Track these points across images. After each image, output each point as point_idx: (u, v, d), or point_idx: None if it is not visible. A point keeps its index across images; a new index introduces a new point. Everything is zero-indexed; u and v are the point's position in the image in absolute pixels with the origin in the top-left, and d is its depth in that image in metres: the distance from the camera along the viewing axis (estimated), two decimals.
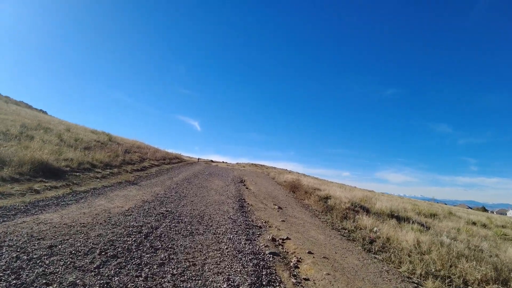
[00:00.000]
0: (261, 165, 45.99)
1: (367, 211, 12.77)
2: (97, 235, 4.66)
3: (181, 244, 4.97)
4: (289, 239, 6.56)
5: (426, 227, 12.13)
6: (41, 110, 49.16)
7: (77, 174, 9.86)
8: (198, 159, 46.74)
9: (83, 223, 5.12)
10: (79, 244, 4.18)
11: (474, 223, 16.65)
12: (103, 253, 4.03)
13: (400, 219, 12.91)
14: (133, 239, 4.79)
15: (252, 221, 7.77)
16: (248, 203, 10.03)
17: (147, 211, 6.81)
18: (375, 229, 9.76)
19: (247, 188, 13.62)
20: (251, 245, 5.63)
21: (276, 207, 10.13)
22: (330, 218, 10.13)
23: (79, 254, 3.89)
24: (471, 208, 69.53)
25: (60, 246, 4.03)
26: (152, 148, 23.49)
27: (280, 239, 6.48)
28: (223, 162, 48.59)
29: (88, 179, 9.66)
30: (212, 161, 46.04)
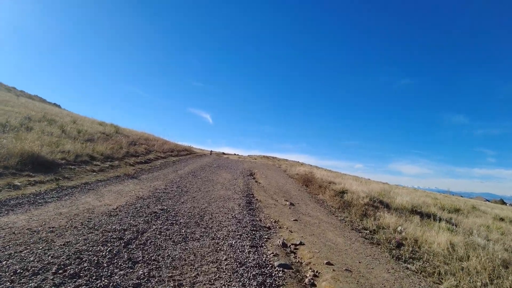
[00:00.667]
0: (273, 158, 44.89)
1: (387, 206, 11.58)
2: (63, 244, 3.70)
3: (168, 255, 3.97)
4: (303, 244, 5.49)
5: (454, 225, 10.88)
6: (54, 103, 49.33)
7: (72, 167, 9.03)
8: (211, 151, 45.95)
9: (53, 228, 4.18)
10: (32, 259, 3.23)
11: (502, 219, 15.16)
12: (60, 272, 3.07)
13: (423, 215, 11.68)
14: (109, 248, 3.82)
15: (260, 220, 6.73)
16: (257, 199, 8.99)
17: (138, 210, 5.86)
18: (399, 228, 8.60)
19: (256, 181, 12.59)
20: (257, 254, 4.59)
21: (287, 203, 9.06)
22: (348, 216, 8.99)
23: (26, 274, 2.93)
24: (488, 201, 66.69)
25: (4, 262, 3.07)
26: (160, 140, 22.73)
27: (292, 244, 5.41)
28: (234, 154, 47.72)
29: (83, 172, 8.81)
30: (223, 153, 45.22)
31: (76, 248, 3.65)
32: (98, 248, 3.76)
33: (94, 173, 9.08)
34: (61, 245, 3.68)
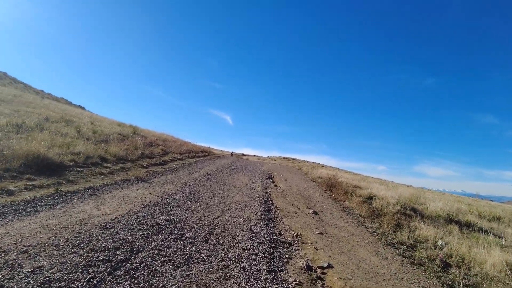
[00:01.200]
0: (293, 159, 43.67)
1: (420, 214, 10.30)
2: (32, 271, 2.93)
3: (163, 286, 3.10)
4: (332, 267, 4.48)
5: (500, 237, 9.47)
6: (79, 105, 50.58)
7: (80, 169, 8.48)
8: (232, 153, 45.41)
9: (28, 246, 3.44)
10: None
11: None
12: None
13: (462, 225, 10.31)
14: (89, 277, 3.01)
15: (280, 234, 5.78)
16: (276, 206, 8.05)
17: (140, 220, 5.07)
18: (440, 242, 7.38)
19: (276, 185, 11.62)
20: (276, 283, 3.64)
21: (310, 211, 8.04)
22: (380, 227, 7.85)
23: None
24: None
25: None
26: (179, 141, 22.27)
27: (318, 267, 4.42)
28: (254, 155, 46.94)
29: (90, 175, 8.22)
30: (243, 154, 44.56)
31: (46, 277, 2.86)
32: (75, 277, 2.96)
33: (102, 176, 8.47)
34: (28, 272, 2.91)
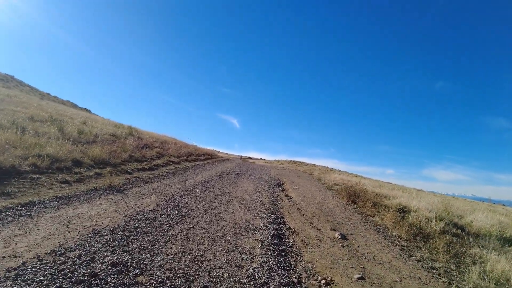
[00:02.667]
0: (300, 162, 41.33)
1: (467, 232, 7.97)
2: None
3: None
4: None
5: None
6: (85, 108, 49.22)
7: (38, 176, 6.44)
8: (241, 156, 43.48)
9: None
10: None
11: None
12: None
13: None
14: None
15: (299, 282, 3.56)
16: (290, 227, 5.82)
17: (61, 271, 2.90)
18: None
19: (286, 195, 9.38)
20: None
21: (336, 235, 5.78)
22: (432, 256, 5.54)
23: None
24: None
25: None
26: (180, 143, 20.22)
27: None
28: (261, 159, 44.72)
29: (47, 184, 6.14)
30: (250, 158, 42.36)
31: None
32: None
33: (64, 185, 6.37)
34: None
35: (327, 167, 41.69)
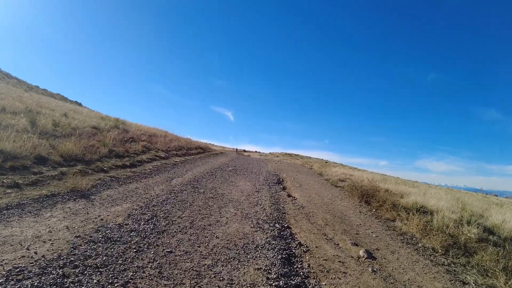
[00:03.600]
0: (296, 155, 40.05)
1: (494, 234, 6.72)
2: None
3: None
4: None
5: None
6: (76, 101, 47.10)
7: None
8: (237, 149, 42.06)
9: None
10: None
11: None
12: None
13: None
14: None
15: None
16: (300, 243, 4.44)
17: None
18: None
19: (289, 195, 8.00)
20: None
21: (361, 252, 4.42)
22: (486, 280, 4.23)
23: None
24: None
25: None
26: (171, 136, 18.66)
27: None
28: (256, 152, 43.26)
29: None
30: (244, 151, 40.84)
31: None
32: None
33: (9, 191, 4.89)
34: None
35: (322, 159, 40.52)
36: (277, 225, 5.11)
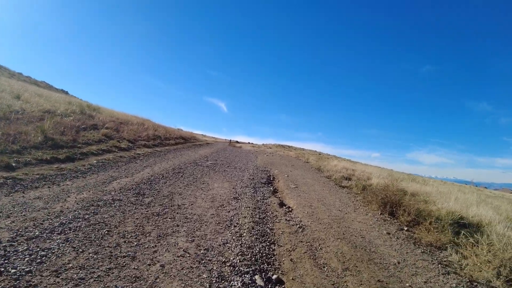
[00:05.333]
0: (289, 147, 37.54)
1: None
2: None
3: None
4: None
5: None
6: (62, 90, 43.74)
7: None
8: (230, 140, 39.50)
9: None
10: None
11: None
12: None
13: None
14: None
15: None
16: None
17: None
18: None
19: (282, 203, 5.46)
20: None
21: None
22: None
23: None
24: None
25: None
26: (149, 124, 15.89)
27: None
28: (248, 143, 40.57)
29: None
30: (237, 142, 38.11)
31: None
32: None
33: None
34: None
35: (316, 151, 38.14)
36: (258, 281, 2.59)
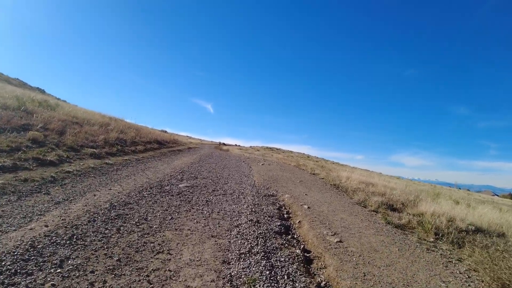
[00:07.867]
0: (277, 149, 34.30)
1: None
2: None
3: None
4: None
5: None
6: (37, 88, 38.76)
7: None
8: (219, 143, 35.94)
9: None
10: None
11: None
12: None
13: None
14: None
15: None
16: None
17: None
18: None
19: None
20: None
21: None
22: None
23: None
24: (497, 195, 56.83)
25: None
26: (119, 123, 12.12)
27: None
28: (235, 145, 36.82)
29: None
30: (224, 144, 34.30)
31: None
32: None
33: None
34: None
35: (304, 154, 35.18)
36: None
